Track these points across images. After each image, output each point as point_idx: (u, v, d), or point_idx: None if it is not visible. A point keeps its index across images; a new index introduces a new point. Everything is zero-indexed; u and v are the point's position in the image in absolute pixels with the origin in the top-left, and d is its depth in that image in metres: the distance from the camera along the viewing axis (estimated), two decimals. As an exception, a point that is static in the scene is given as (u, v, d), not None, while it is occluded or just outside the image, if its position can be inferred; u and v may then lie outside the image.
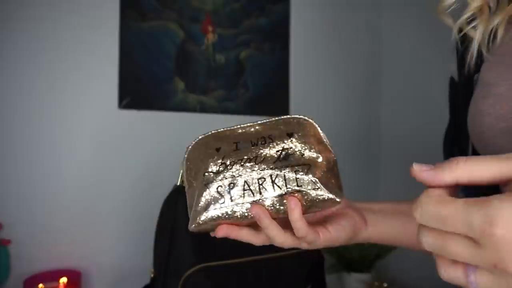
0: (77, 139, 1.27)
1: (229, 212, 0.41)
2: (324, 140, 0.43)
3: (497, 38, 0.45)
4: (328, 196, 0.41)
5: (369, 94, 1.76)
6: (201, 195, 0.42)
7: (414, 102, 1.58)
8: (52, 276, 1.15)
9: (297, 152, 0.41)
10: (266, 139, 0.42)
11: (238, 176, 0.41)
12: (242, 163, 0.41)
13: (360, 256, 1.44)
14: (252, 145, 0.42)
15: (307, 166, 0.41)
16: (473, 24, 0.48)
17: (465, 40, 0.50)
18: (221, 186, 0.41)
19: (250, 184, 0.41)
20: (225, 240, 0.77)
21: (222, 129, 0.44)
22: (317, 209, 0.43)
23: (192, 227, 0.42)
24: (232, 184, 0.41)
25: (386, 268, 1.58)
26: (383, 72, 1.76)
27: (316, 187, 0.40)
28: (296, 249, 0.80)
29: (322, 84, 1.65)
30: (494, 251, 0.22)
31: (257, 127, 0.44)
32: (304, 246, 0.45)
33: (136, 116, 1.34)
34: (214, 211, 0.41)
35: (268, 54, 1.53)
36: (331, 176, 0.42)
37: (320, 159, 0.42)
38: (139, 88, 1.34)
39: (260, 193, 0.41)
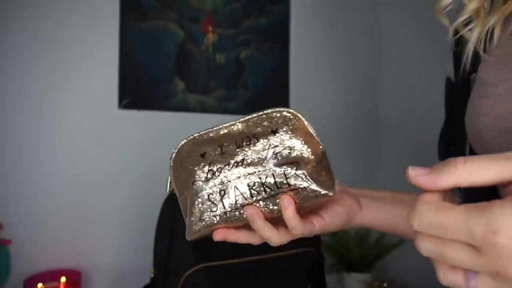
0: (77, 139, 1.27)
1: (224, 218, 0.41)
2: (311, 131, 0.42)
3: (494, 38, 0.45)
4: (320, 192, 0.41)
5: (369, 94, 1.76)
6: (194, 204, 0.42)
7: (413, 106, 1.58)
8: (52, 276, 1.15)
9: (284, 150, 0.41)
10: (251, 139, 0.42)
11: (227, 182, 0.41)
12: (230, 168, 0.41)
13: (360, 256, 1.44)
14: (238, 147, 0.42)
15: (296, 164, 0.40)
16: (469, 27, 0.48)
17: (461, 41, 0.50)
18: (211, 194, 0.41)
19: (241, 189, 0.41)
20: (225, 241, 0.76)
21: (204, 131, 0.43)
22: (310, 205, 0.43)
23: (189, 238, 0.42)
24: (222, 191, 0.41)
25: (386, 268, 1.58)
26: (382, 72, 1.76)
27: (307, 184, 0.40)
28: (296, 249, 0.80)
29: (322, 84, 1.65)
30: (496, 259, 0.22)
31: (240, 126, 0.42)
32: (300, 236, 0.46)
33: (136, 116, 1.34)
34: (208, 220, 0.41)
35: (268, 54, 1.53)
36: (321, 169, 0.41)
37: (308, 154, 0.41)
38: (139, 88, 1.34)
39: (252, 196, 0.40)
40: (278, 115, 0.42)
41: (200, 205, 0.41)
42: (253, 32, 1.50)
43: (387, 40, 1.75)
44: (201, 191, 0.41)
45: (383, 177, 1.72)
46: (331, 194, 0.41)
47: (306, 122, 0.42)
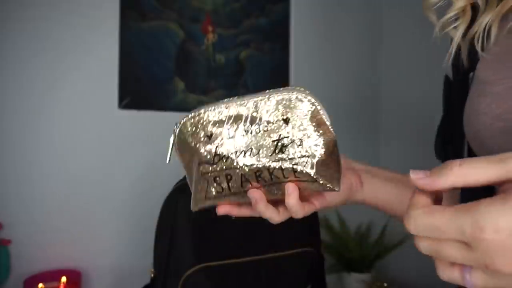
0: (77, 139, 1.27)
1: (228, 198, 0.42)
2: (325, 120, 0.40)
3: (491, 36, 0.44)
4: (326, 186, 0.41)
5: (369, 94, 1.76)
6: (199, 182, 0.42)
7: (413, 109, 1.58)
8: (52, 276, 1.15)
9: (295, 143, 0.39)
10: (261, 125, 0.40)
11: (234, 169, 0.40)
12: (237, 155, 0.40)
13: (360, 256, 1.44)
14: (246, 133, 0.40)
15: (305, 157, 0.39)
16: (455, 24, 0.48)
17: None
18: (218, 177, 0.41)
19: (247, 176, 0.40)
20: (225, 240, 0.76)
21: (211, 109, 0.41)
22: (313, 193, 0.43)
23: (193, 210, 0.44)
24: (229, 176, 0.41)
25: (386, 268, 1.58)
26: (382, 71, 1.76)
27: (313, 178, 0.40)
28: (296, 249, 0.80)
29: (322, 84, 1.65)
30: (485, 253, 0.24)
31: (251, 106, 0.40)
32: None
33: (136, 116, 1.34)
34: (213, 198, 0.42)
35: (268, 54, 1.53)
36: (330, 161, 0.40)
37: (319, 145, 0.40)
38: (139, 88, 1.34)
39: (258, 182, 0.41)
40: (292, 99, 0.40)
41: (205, 185, 0.42)
42: (253, 32, 1.50)
43: (387, 39, 1.75)
44: (208, 173, 0.41)
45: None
46: (336, 189, 0.41)
47: (321, 111, 0.40)
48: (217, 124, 0.41)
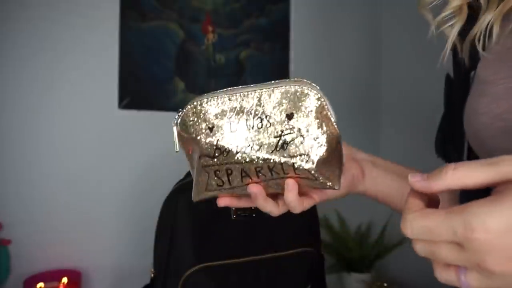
0: (77, 139, 1.27)
1: (228, 191, 0.42)
2: (330, 116, 0.39)
3: (493, 36, 0.44)
4: (326, 184, 0.41)
5: (370, 93, 1.76)
6: (200, 175, 0.42)
7: (415, 103, 1.58)
8: (52, 276, 1.15)
9: (297, 139, 0.39)
10: (263, 120, 0.39)
11: (235, 163, 0.40)
12: (238, 149, 0.40)
13: (360, 256, 1.44)
14: (248, 129, 0.40)
15: (306, 155, 0.39)
16: (450, 23, 0.48)
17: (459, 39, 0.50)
18: (218, 171, 0.41)
19: (248, 172, 0.40)
20: (225, 240, 0.76)
21: (214, 98, 0.40)
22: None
23: (194, 200, 0.44)
24: (230, 170, 0.40)
25: (386, 268, 1.58)
26: (382, 71, 1.76)
27: (314, 176, 0.40)
28: (296, 249, 0.80)
29: (322, 84, 1.64)
30: (476, 253, 0.25)
31: (255, 101, 0.39)
32: None
33: (136, 116, 1.34)
34: (213, 191, 0.42)
35: (268, 54, 1.53)
36: (331, 159, 0.40)
37: (322, 142, 0.39)
38: (139, 88, 1.34)
39: (258, 177, 0.40)
40: (299, 91, 0.39)
41: (206, 178, 0.42)
42: (253, 32, 1.50)
43: (387, 39, 1.75)
44: (208, 166, 0.41)
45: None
46: (336, 187, 0.41)
47: (327, 106, 0.39)
48: (219, 116, 0.40)
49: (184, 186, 0.79)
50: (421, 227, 0.27)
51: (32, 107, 1.22)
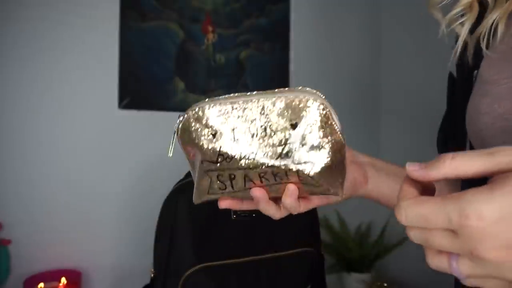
0: (77, 139, 1.27)
1: (231, 194, 0.42)
2: (335, 126, 0.39)
3: (498, 34, 0.44)
4: (329, 192, 0.41)
5: (370, 93, 1.76)
6: (202, 178, 0.42)
7: (415, 103, 1.58)
8: (52, 276, 1.15)
9: (301, 148, 0.38)
10: (267, 128, 0.39)
11: (238, 169, 0.40)
12: (242, 156, 0.39)
13: (360, 256, 1.44)
14: (252, 136, 0.39)
15: (310, 163, 0.39)
16: (461, 20, 0.48)
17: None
18: (221, 175, 0.41)
19: (251, 177, 0.40)
20: (225, 240, 0.76)
21: (217, 105, 0.40)
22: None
23: (195, 202, 0.44)
24: (232, 175, 0.40)
25: (386, 268, 1.58)
26: (382, 71, 1.76)
27: (317, 184, 0.40)
28: (296, 249, 0.80)
29: (322, 84, 1.65)
30: (469, 240, 0.25)
31: (258, 109, 0.39)
32: None
33: (136, 116, 1.34)
34: (215, 194, 0.42)
35: (268, 54, 1.53)
36: (335, 167, 0.40)
37: (326, 150, 0.39)
38: (139, 88, 1.34)
39: (261, 182, 0.40)
40: (304, 100, 0.39)
41: (208, 181, 0.41)
42: (253, 32, 1.50)
43: (387, 39, 1.75)
44: (211, 171, 0.41)
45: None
46: (338, 195, 0.41)
47: (332, 115, 0.39)
48: (222, 123, 0.40)
49: (184, 186, 0.79)
50: (416, 214, 0.28)
51: (32, 107, 1.22)
